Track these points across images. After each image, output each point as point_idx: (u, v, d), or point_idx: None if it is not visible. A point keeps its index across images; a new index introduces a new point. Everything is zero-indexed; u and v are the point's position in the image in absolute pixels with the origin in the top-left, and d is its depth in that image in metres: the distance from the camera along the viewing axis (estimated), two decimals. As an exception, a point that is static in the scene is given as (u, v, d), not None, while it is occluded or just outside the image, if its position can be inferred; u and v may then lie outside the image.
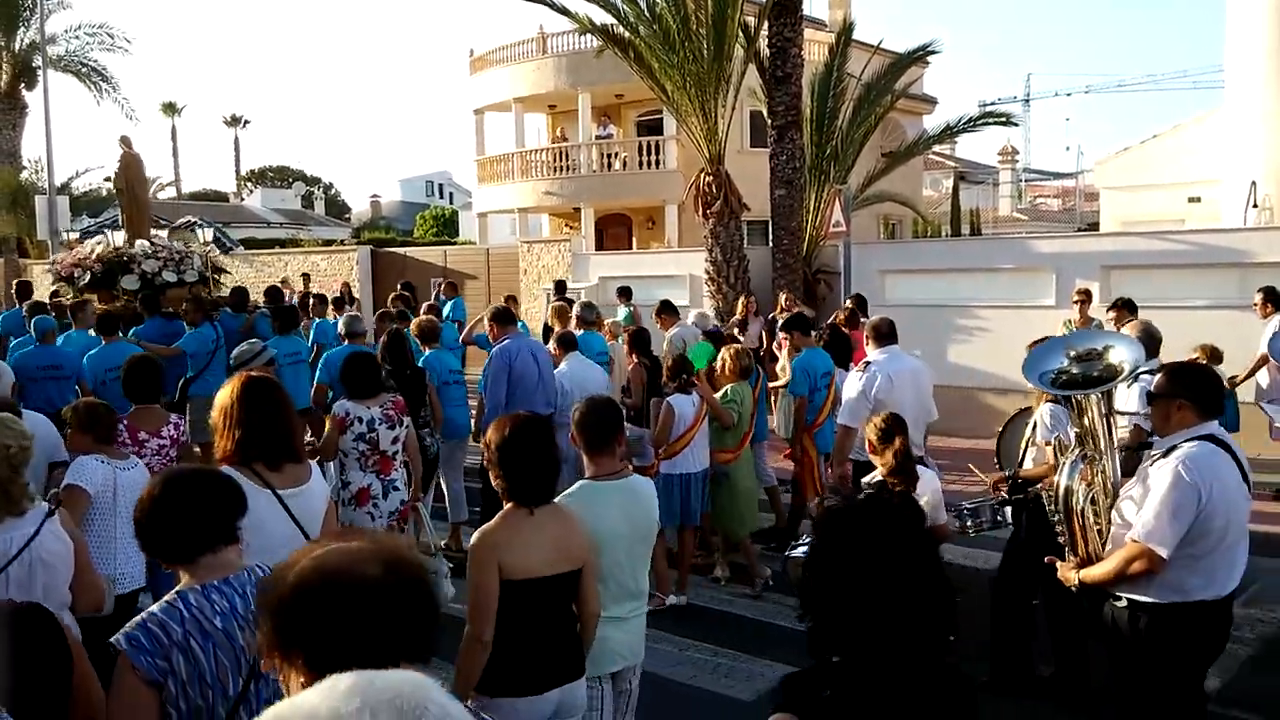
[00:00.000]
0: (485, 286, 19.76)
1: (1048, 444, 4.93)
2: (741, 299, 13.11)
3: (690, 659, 5.92)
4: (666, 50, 14.30)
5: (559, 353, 7.81)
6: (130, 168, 14.29)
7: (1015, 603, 5.46)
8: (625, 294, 13.78)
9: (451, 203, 57.90)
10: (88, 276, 13.00)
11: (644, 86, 16.11)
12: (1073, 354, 4.14)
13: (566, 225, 26.72)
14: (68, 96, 65.28)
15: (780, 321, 8.81)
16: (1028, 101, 57.17)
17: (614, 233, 26.36)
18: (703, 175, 14.79)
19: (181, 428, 5.41)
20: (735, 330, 11.07)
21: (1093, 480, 3.88)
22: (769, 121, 14.78)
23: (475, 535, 3.31)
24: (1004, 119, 19.67)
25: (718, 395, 7.06)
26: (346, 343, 8.37)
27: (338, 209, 66.34)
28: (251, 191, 61.19)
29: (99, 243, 13.75)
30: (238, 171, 68.34)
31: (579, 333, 9.08)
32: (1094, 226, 29.02)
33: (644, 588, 3.77)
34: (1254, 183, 16.05)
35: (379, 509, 5.78)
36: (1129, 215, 20.91)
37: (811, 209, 15.81)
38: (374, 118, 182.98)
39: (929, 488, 4.60)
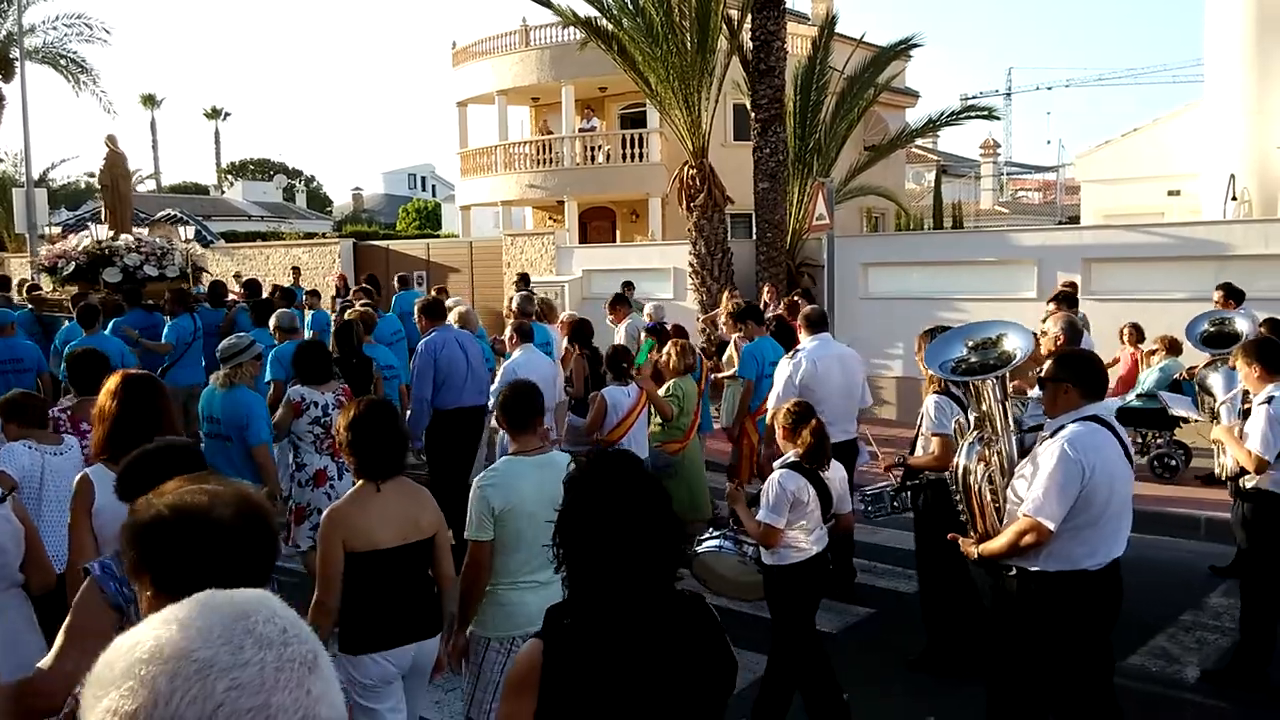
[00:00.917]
0: (469, 280, 19.71)
1: (934, 435, 5.35)
2: (725, 292, 13.12)
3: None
4: (650, 43, 14.29)
5: (515, 343, 7.81)
6: (115, 165, 14.60)
7: (939, 581, 5.63)
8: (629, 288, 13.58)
9: (434, 196, 57.74)
10: (71, 267, 13.21)
11: (628, 79, 16.11)
12: (971, 344, 4.47)
13: (550, 218, 26.67)
14: (46, 88, 64.71)
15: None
16: (1009, 95, 57.58)
17: (598, 226, 26.33)
18: (686, 168, 14.80)
19: None
20: (711, 323, 11.07)
21: (990, 460, 4.13)
22: (752, 115, 14.79)
23: (325, 512, 3.69)
24: (985, 112, 19.75)
25: (663, 389, 7.16)
26: (278, 339, 8.29)
27: (320, 202, 66.04)
28: (232, 184, 60.88)
29: (85, 236, 13.96)
30: (218, 164, 67.93)
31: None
32: (1075, 220, 29.20)
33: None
34: (1233, 176, 16.20)
35: (335, 490, 5.85)
36: (1110, 208, 21.06)
37: (795, 202, 15.84)
38: (356, 110, 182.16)
39: (836, 476, 4.72)
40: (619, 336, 9.91)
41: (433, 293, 11.14)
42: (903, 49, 18.12)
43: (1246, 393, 5.57)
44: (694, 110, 14.47)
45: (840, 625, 6.23)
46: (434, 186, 62.95)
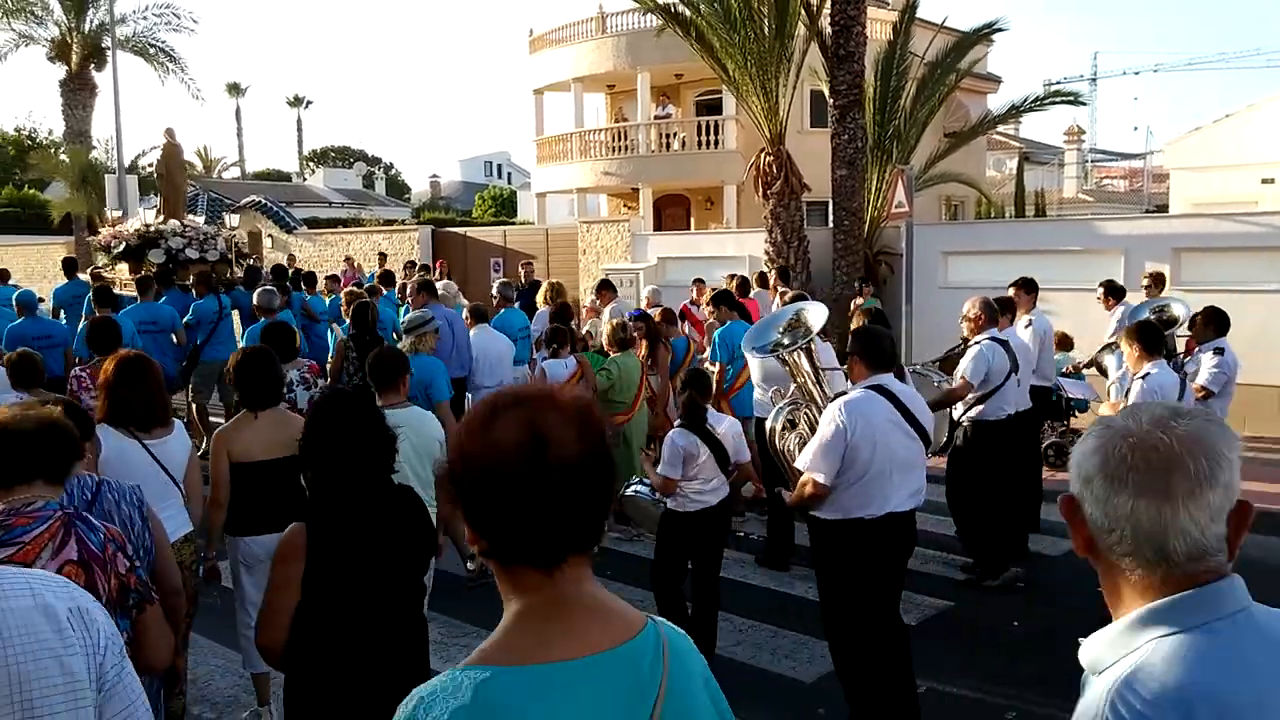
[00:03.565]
0: (545, 267, 19.89)
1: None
2: (697, 286, 12.77)
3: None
4: (727, 29, 14.23)
5: (470, 323, 8.81)
6: (171, 156, 15.94)
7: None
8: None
9: (510, 183, 58.28)
10: (122, 247, 14.69)
11: (704, 66, 16.07)
12: (781, 328, 5.42)
13: (625, 205, 26.75)
14: (135, 77, 66.76)
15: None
16: (1095, 80, 55.93)
17: (672, 213, 26.33)
18: (763, 155, 14.72)
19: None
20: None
21: (799, 423, 5.05)
22: (830, 101, 14.65)
23: (215, 431, 4.79)
24: (1070, 98, 19.24)
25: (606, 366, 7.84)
26: (257, 317, 9.19)
27: (398, 189, 67.12)
28: (314, 171, 62.19)
29: (137, 219, 15.47)
30: (300, 152, 69.43)
31: (501, 310, 9.93)
32: (1162, 208, 28.36)
33: (429, 496, 4.62)
34: (1333, 163, 15.59)
35: None
36: (1199, 197, 20.42)
37: (873, 190, 15.66)
38: (434, 98, 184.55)
39: (730, 431, 5.41)
40: (604, 320, 10.11)
41: (519, 272, 11.64)
42: (985, 33, 17.76)
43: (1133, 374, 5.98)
44: (771, 97, 14.38)
45: (920, 617, 6.19)
46: (510, 174, 63.55)
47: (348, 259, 20.83)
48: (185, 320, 10.67)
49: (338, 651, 2.99)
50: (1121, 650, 1.40)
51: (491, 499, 1.37)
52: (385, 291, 12.57)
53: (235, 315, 11.25)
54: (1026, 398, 7.31)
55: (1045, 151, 45.87)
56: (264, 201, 27.65)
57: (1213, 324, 7.40)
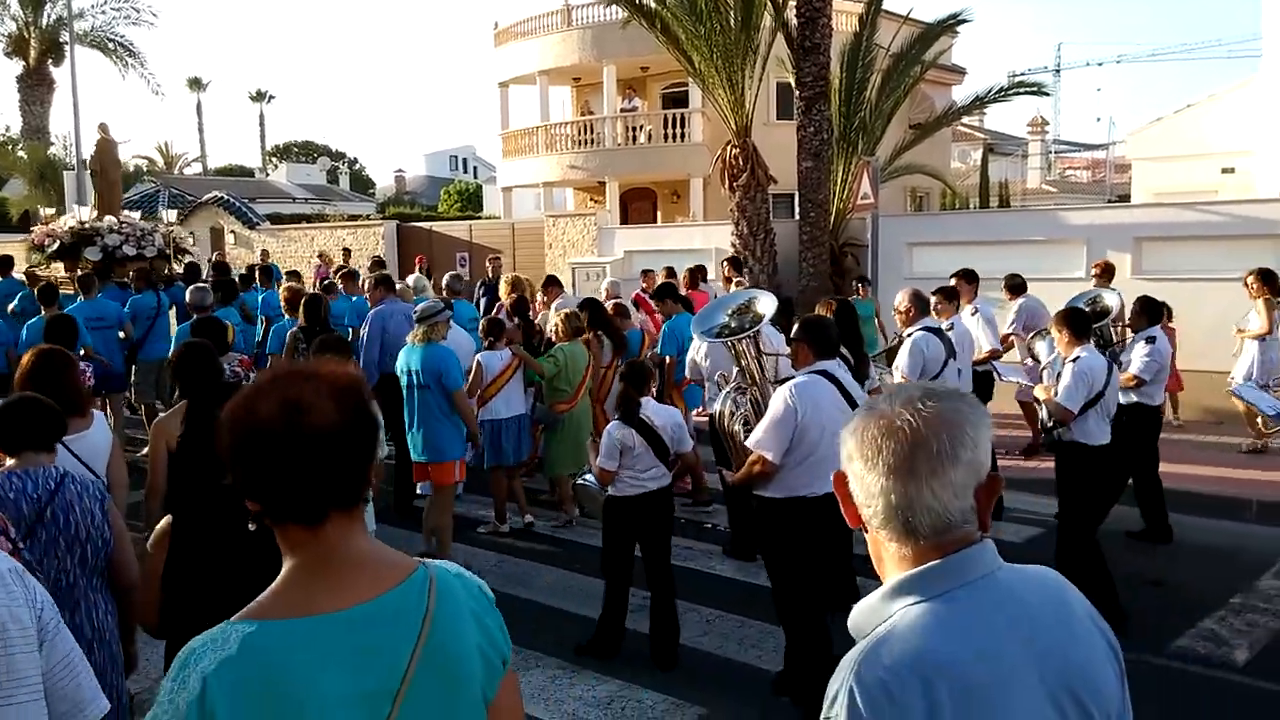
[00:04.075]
0: (511, 261, 19.78)
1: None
2: (646, 277, 12.77)
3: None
4: (693, 21, 14.19)
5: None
6: (105, 152, 15.74)
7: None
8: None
9: (476, 177, 57.94)
10: (56, 245, 14.44)
11: (670, 58, 16.02)
12: (730, 311, 5.59)
13: (591, 199, 26.68)
14: (95, 72, 65.68)
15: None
16: (1058, 71, 56.48)
17: (639, 207, 26.27)
18: (729, 147, 14.70)
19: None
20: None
21: (742, 405, 5.23)
22: (796, 93, 14.65)
23: (154, 421, 5.00)
24: (1034, 89, 19.39)
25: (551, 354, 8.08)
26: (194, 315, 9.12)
27: (362, 184, 66.58)
28: (276, 167, 61.50)
29: (71, 217, 15.21)
30: (263, 147, 68.62)
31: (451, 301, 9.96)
32: (1124, 198, 28.67)
33: None
34: (1290, 153, 15.81)
35: None
36: (1161, 187, 20.65)
37: (839, 181, 15.69)
38: (398, 92, 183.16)
39: (669, 423, 5.48)
40: (551, 313, 10.14)
41: (487, 266, 11.70)
42: (950, 25, 17.84)
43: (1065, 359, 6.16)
44: (737, 89, 14.36)
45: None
46: (475, 168, 63.14)
47: (320, 254, 20.62)
48: (126, 318, 10.60)
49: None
50: (876, 619, 1.47)
51: (256, 462, 1.51)
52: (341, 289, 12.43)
53: (173, 313, 11.12)
54: (968, 385, 7.47)
55: (1009, 142, 46.23)
56: (226, 197, 27.39)
57: (1146, 313, 7.52)
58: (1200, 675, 5.24)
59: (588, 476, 6.00)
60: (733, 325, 5.48)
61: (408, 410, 7.08)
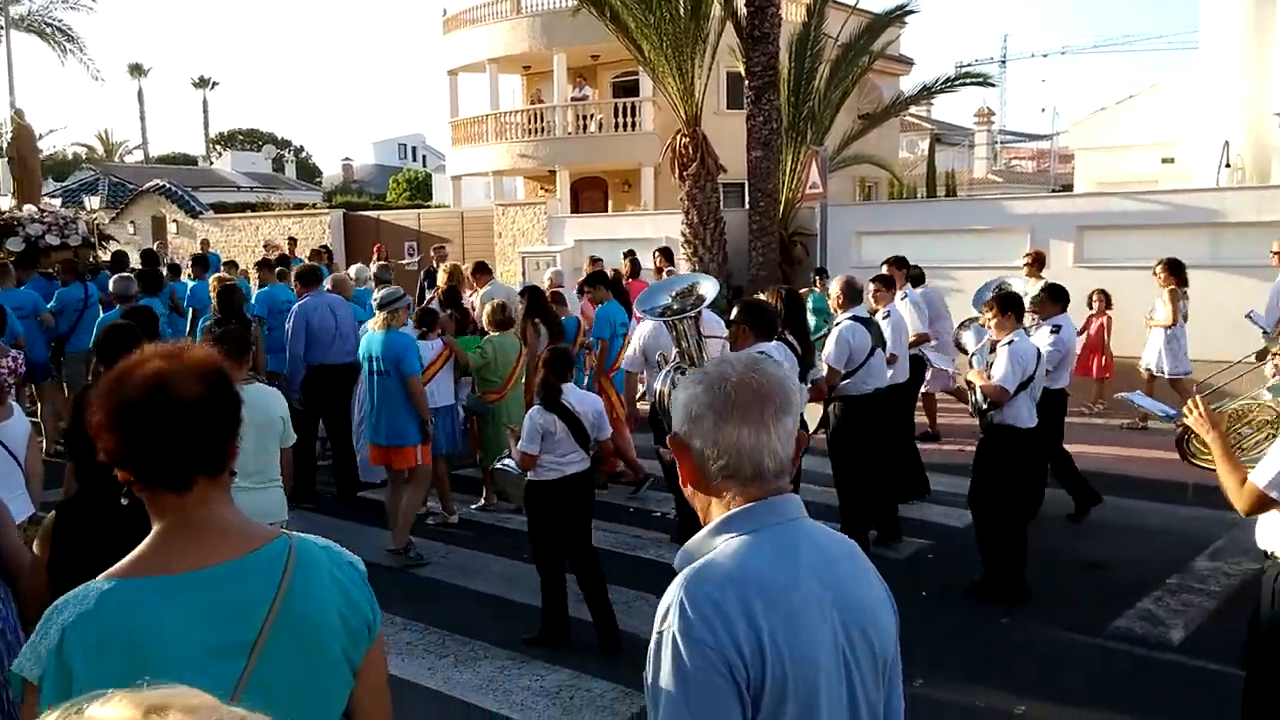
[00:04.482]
0: (460, 250, 19.63)
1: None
2: (594, 266, 12.84)
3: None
4: (643, 9, 14.14)
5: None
6: (21, 138, 15.56)
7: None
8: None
9: (425, 166, 57.33)
10: None
11: (620, 47, 15.96)
12: (674, 293, 5.74)
13: (542, 188, 26.53)
14: (33, 57, 64.02)
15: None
16: (1004, 63, 57.08)
17: (589, 195, 26.19)
18: (679, 137, 14.69)
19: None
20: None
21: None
22: (746, 82, 14.68)
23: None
24: (980, 79, 19.61)
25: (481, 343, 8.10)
26: (117, 305, 9.12)
27: (309, 172, 65.63)
28: (221, 155, 60.37)
29: None
30: (207, 135, 67.37)
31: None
32: (1068, 188, 29.14)
33: (262, 468, 4.82)
34: (1227, 143, 16.16)
35: None
36: (1103, 176, 21.01)
37: (788, 171, 15.77)
38: (346, 80, 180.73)
39: (590, 410, 5.57)
40: (478, 302, 10.22)
41: (431, 255, 11.68)
42: (897, 15, 17.98)
43: (995, 343, 6.32)
44: (687, 78, 14.35)
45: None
46: (425, 157, 62.47)
47: (267, 244, 20.27)
48: (50, 308, 10.36)
49: None
50: (702, 550, 1.72)
51: (129, 432, 1.64)
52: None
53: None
54: (902, 371, 7.71)
55: (956, 133, 46.77)
56: (168, 186, 26.84)
57: (1054, 301, 7.70)
58: (1139, 655, 5.36)
59: (507, 461, 6.06)
60: (675, 307, 5.62)
61: (369, 396, 7.09)
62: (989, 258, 12.42)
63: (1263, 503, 3.51)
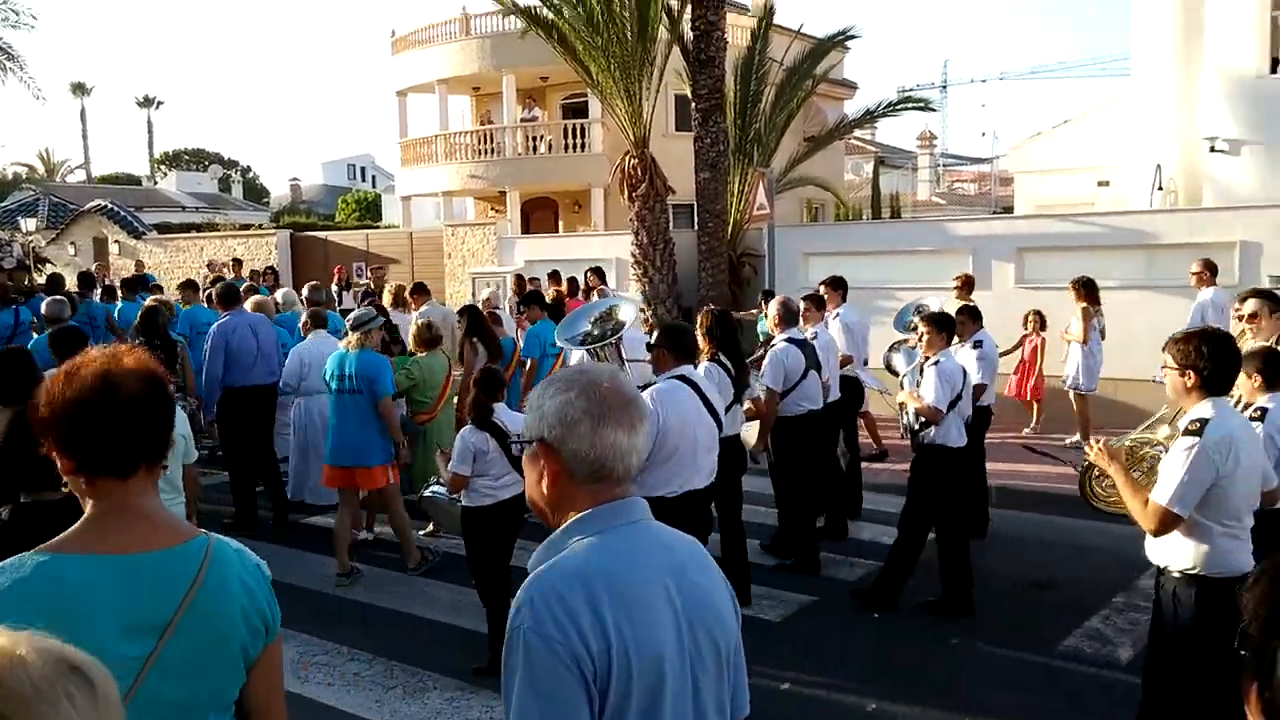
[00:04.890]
0: (409, 270, 19.53)
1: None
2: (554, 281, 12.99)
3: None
4: (590, 32, 14.25)
5: (307, 328, 9.01)
6: None
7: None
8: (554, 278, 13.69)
9: (374, 186, 56.95)
10: None
11: (569, 69, 16.05)
12: (593, 319, 5.76)
13: (492, 209, 26.50)
14: (-33, 75, 62.37)
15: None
16: (945, 88, 58.34)
17: (540, 216, 26.21)
18: (628, 158, 14.78)
19: None
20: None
21: None
22: (693, 105, 14.83)
23: None
24: (922, 104, 20.05)
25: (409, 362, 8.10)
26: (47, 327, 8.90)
27: (256, 193, 64.80)
28: (165, 175, 59.48)
29: None
30: (151, 154, 66.35)
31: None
32: (1009, 210, 29.73)
33: (170, 481, 4.70)
34: (1159, 166, 16.62)
35: None
36: (1042, 199, 21.47)
37: (736, 192, 15.93)
38: (294, 99, 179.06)
39: (521, 426, 5.48)
40: (413, 319, 10.19)
41: (373, 277, 11.79)
42: (840, 40, 18.31)
43: (923, 363, 6.46)
44: (635, 100, 14.47)
45: (783, 613, 6.34)
46: (374, 177, 62.06)
47: (210, 263, 20.03)
48: None
49: None
50: (554, 552, 1.80)
51: (79, 425, 1.83)
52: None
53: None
54: (834, 391, 7.76)
55: (900, 155, 47.55)
56: (110, 206, 26.39)
57: (972, 320, 7.86)
58: (1088, 674, 5.45)
59: (436, 488, 6.03)
60: (595, 333, 5.68)
61: (332, 415, 7.01)
62: (932, 278, 12.63)
63: (1168, 520, 3.59)
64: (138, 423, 1.86)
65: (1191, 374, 3.62)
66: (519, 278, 12.82)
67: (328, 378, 7.06)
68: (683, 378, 4.97)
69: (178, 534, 1.90)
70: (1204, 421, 3.56)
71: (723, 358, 6.11)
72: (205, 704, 1.87)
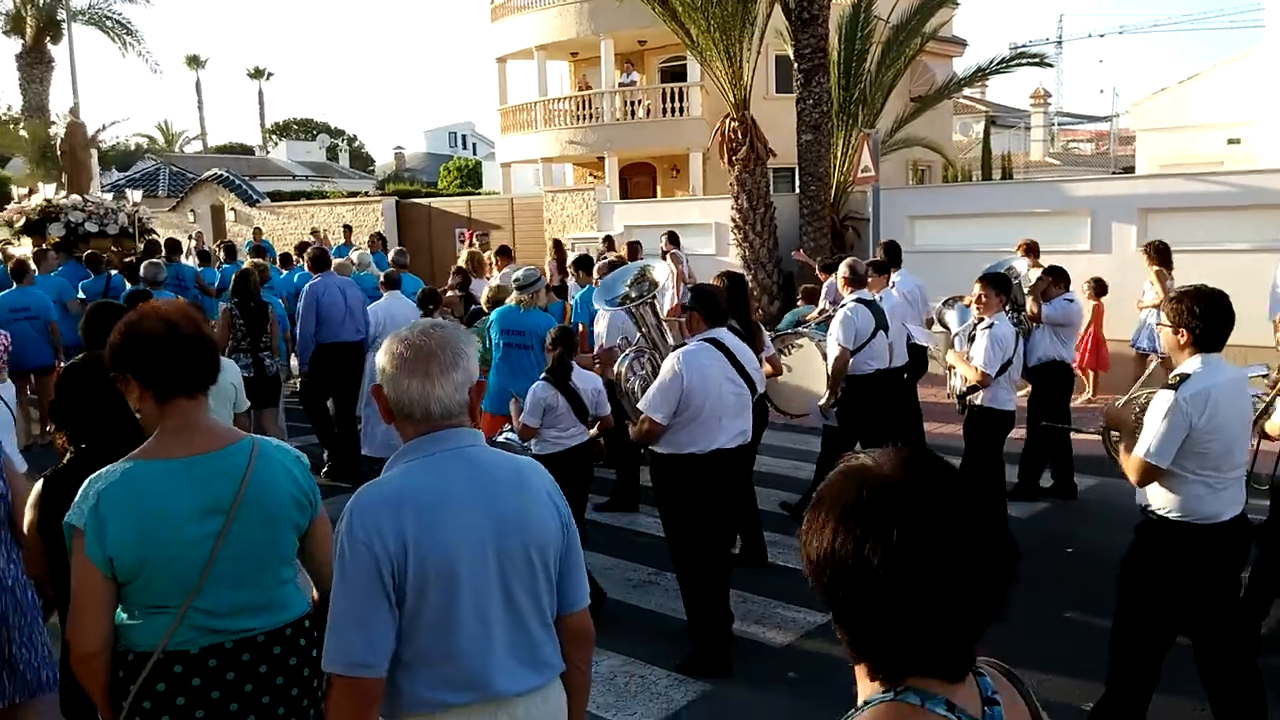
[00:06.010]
0: (510, 236, 19.66)
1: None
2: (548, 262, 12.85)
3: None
4: (691, -8, 14.00)
5: (384, 289, 9.47)
6: (73, 134, 16.52)
7: None
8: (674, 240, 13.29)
9: (475, 153, 57.60)
10: (23, 221, 14.94)
11: (667, 32, 15.84)
12: (630, 281, 6.03)
13: (590, 174, 26.48)
14: (94, 50, 65.33)
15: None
16: (1060, 43, 55.94)
17: (638, 182, 26.08)
18: (728, 121, 14.55)
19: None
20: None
21: (645, 367, 5.68)
22: (795, 65, 14.48)
23: None
24: (1036, 60, 19.15)
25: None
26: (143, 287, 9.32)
27: (362, 161, 66.22)
28: (276, 144, 61.14)
29: (38, 195, 15.66)
30: (262, 125, 68.19)
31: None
32: (1128, 170, 28.47)
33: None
34: (1296, 122, 15.63)
35: None
36: (1166, 158, 20.46)
37: (839, 155, 15.54)
38: (397, 69, 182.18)
39: (589, 387, 5.83)
40: (488, 284, 10.27)
41: (472, 243, 12.05)
42: (950, -5, 17.61)
43: (976, 326, 6.51)
44: (735, 62, 14.19)
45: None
46: (475, 144, 62.75)
47: (314, 231, 20.52)
48: (78, 298, 10.57)
49: None
50: (381, 479, 2.18)
51: (151, 358, 2.41)
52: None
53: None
54: (901, 354, 7.69)
55: (1012, 115, 45.94)
56: (226, 175, 27.21)
57: (1057, 282, 7.79)
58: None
59: (509, 434, 6.16)
60: (632, 295, 5.90)
61: (497, 367, 7.16)
62: (1048, 241, 12.10)
63: (1148, 470, 3.76)
64: (198, 354, 2.46)
65: (1184, 332, 3.78)
66: (608, 238, 12.80)
67: (502, 331, 7.19)
68: (713, 340, 4.99)
69: (228, 438, 2.50)
70: (1184, 377, 3.71)
71: (732, 321, 6.13)
72: (270, 558, 2.48)
